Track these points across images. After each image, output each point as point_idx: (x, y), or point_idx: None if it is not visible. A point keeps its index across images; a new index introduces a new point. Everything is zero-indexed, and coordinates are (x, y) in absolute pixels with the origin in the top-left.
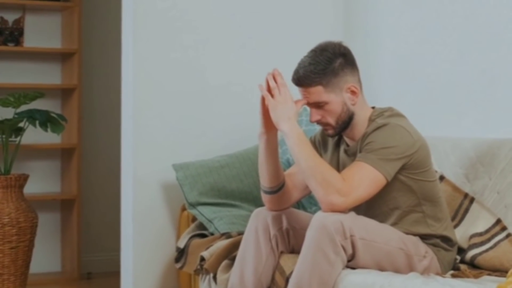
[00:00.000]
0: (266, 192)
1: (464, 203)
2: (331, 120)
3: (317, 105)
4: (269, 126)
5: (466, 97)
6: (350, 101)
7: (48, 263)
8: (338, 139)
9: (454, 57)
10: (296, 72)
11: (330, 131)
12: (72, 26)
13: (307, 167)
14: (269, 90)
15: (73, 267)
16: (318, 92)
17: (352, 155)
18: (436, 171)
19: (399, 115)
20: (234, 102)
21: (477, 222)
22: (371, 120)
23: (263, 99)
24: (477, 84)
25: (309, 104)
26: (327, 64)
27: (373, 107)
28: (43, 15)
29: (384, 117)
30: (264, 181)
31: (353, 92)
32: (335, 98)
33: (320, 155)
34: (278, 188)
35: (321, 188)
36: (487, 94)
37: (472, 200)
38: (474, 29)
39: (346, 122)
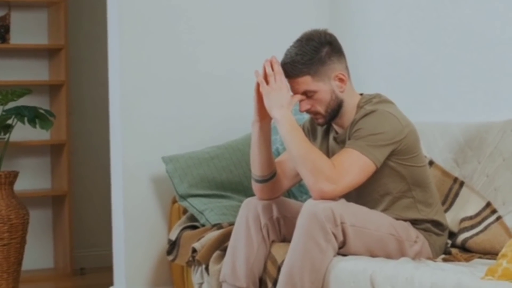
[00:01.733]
0: (257, 181)
1: (453, 188)
2: (321, 109)
3: (306, 95)
4: (262, 114)
5: (455, 82)
6: (338, 89)
7: (41, 259)
8: (327, 127)
9: (441, 41)
10: (283, 62)
11: (320, 120)
12: (59, 22)
13: (298, 154)
14: (265, 77)
15: (66, 263)
16: (306, 82)
17: (341, 143)
18: (425, 156)
19: (387, 101)
20: (222, 93)
21: (467, 205)
22: (359, 107)
23: (258, 86)
24: (465, 68)
25: (298, 93)
26: (314, 53)
27: (361, 94)
28: (29, 12)
29: (373, 104)
30: (256, 170)
31: (341, 80)
32: (324, 87)
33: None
34: (270, 176)
35: (311, 176)
36: (475, 78)
37: (461, 184)
38: (462, 13)
39: (336, 110)
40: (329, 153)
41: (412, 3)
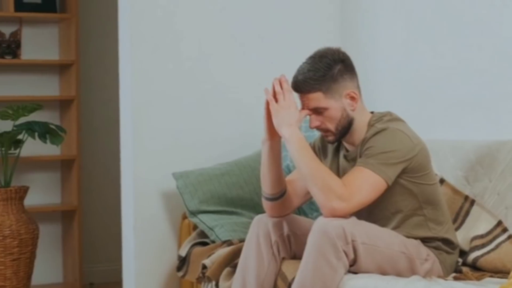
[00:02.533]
0: (267, 199)
1: (464, 206)
2: (331, 126)
3: (317, 111)
4: (272, 132)
5: (465, 100)
6: (349, 107)
7: (50, 274)
8: (337, 145)
9: (451, 59)
10: (295, 78)
11: (330, 137)
12: (70, 37)
13: (308, 173)
14: (274, 95)
15: (75, 278)
16: (318, 98)
17: (351, 161)
18: (436, 174)
19: (398, 119)
20: (233, 110)
21: (478, 224)
22: (370, 125)
23: (267, 104)
24: (475, 87)
25: (308, 110)
26: (327, 70)
27: (371, 112)
28: (40, 27)
29: (383, 122)
30: (266, 188)
31: (352, 98)
32: (335, 104)
33: (320, 160)
34: (280, 195)
35: (322, 194)
36: (486, 96)
37: (472, 202)
38: (471, 31)
39: (346, 127)
40: (339, 171)
41: (423, 20)
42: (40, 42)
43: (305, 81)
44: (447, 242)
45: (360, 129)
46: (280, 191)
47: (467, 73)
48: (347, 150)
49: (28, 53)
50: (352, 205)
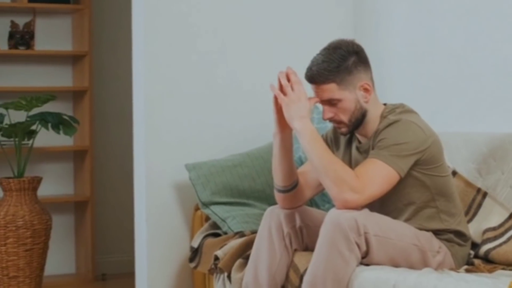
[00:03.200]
0: (280, 191)
1: (477, 198)
2: (344, 118)
3: (330, 103)
4: (283, 125)
5: (479, 92)
6: (363, 99)
7: (63, 265)
8: (350, 137)
9: (466, 51)
10: (309, 69)
11: (343, 129)
12: (83, 28)
13: (320, 165)
14: (281, 89)
15: (88, 269)
16: (332, 90)
17: (364, 152)
18: (448, 166)
19: (410, 111)
20: (245, 101)
21: (490, 216)
22: (383, 116)
23: (275, 98)
24: (489, 79)
25: (322, 101)
26: (341, 61)
27: (384, 104)
28: (53, 18)
29: (396, 114)
30: (278, 180)
31: (366, 90)
32: (349, 96)
33: (333, 152)
34: (292, 186)
35: (334, 186)
36: (499, 88)
37: (485, 194)
38: (487, 22)
39: (359, 119)
40: (352, 163)
41: (439, 10)
42: (53, 33)
43: (319, 72)
44: (459, 234)
45: (373, 121)
46: (292, 183)
47: (481, 65)
48: (359, 142)
49: (41, 44)
50: (364, 197)
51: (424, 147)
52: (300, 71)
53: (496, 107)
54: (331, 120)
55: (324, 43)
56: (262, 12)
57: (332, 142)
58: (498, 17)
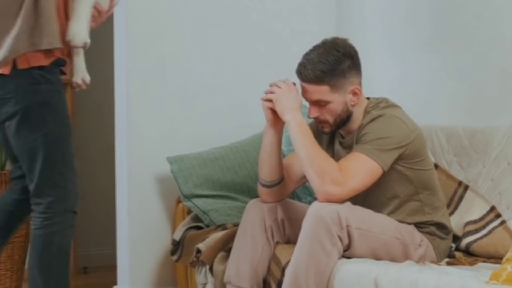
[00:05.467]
0: (264, 186)
1: (458, 191)
2: (330, 119)
3: (319, 104)
4: (274, 121)
5: (458, 85)
6: (350, 102)
7: None
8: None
9: (445, 45)
10: (303, 67)
11: (326, 129)
12: None
13: (306, 156)
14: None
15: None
16: (323, 92)
17: (347, 147)
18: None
19: (394, 105)
20: (227, 94)
21: (471, 209)
22: (366, 111)
23: (268, 95)
24: (469, 72)
25: (310, 101)
26: (337, 64)
27: (367, 98)
28: None
29: (380, 109)
30: (264, 175)
31: (355, 94)
32: (338, 99)
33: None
34: (278, 182)
35: (317, 178)
36: (479, 82)
37: (466, 187)
38: (462, 19)
39: (344, 121)
40: (335, 157)
41: (413, 8)
42: None
43: (315, 73)
44: (441, 227)
45: (356, 118)
46: (278, 179)
47: (460, 58)
48: (342, 137)
49: None
50: (347, 190)
51: (407, 142)
52: (282, 61)
53: (477, 100)
54: (316, 119)
55: (306, 36)
56: (244, 7)
57: (315, 135)
58: (481, 11)
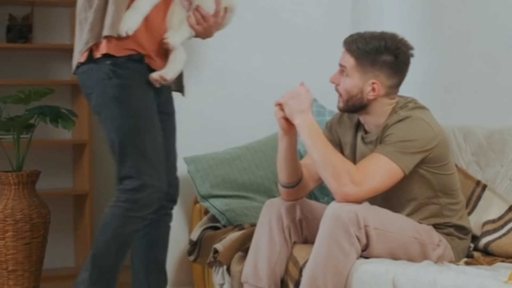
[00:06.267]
0: (284, 187)
1: (476, 191)
2: (343, 94)
3: (341, 70)
4: (286, 128)
5: (477, 85)
6: (367, 94)
7: (62, 258)
8: (357, 125)
9: (466, 45)
10: (351, 35)
11: (340, 104)
12: None
13: (319, 159)
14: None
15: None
16: (349, 62)
17: (368, 143)
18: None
19: (422, 107)
20: (244, 94)
21: (489, 209)
22: (394, 111)
23: (279, 105)
24: (487, 72)
25: (339, 64)
26: (374, 50)
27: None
28: (52, 11)
29: (408, 109)
30: (283, 177)
31: (373, 89)
32: (356, 79)
33: (336, 141)
34: (296, 183)
35: (333, 180)
36: (498, 82)
37: (484, 187)
38: (483, 17)
39: (356, 107)
40: (356, 152)
41: (428, 12)
42: (52, 26)
43: (353, 43)
44: (460, 228)
45: (378, 115)
46: (296, 180)
47: (481, 58)
48: (365, 132)
49: (39, 37)
50: (364, 191)
51: (431, 146)
52: (297, 57)
53: (495, 100)
54: (334, 84)
55: (320, 35)
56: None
57: (336, 130)
58: (499, 11)
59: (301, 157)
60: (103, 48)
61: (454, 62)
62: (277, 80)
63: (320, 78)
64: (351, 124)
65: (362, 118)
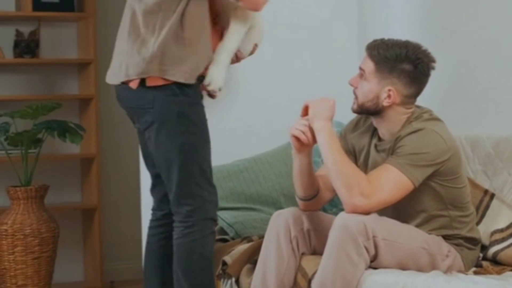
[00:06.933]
0: (301, 199)
1: (484, 200)
2: (360, 97)
3: (361, 73)
4: (299, 147)
5: (483, 93)
6: (383, 100)
7: (71, 272)
8: (372, 132)
9: (471, 52)
10: (374, 40)
11: (354, 106)
12: (88, 36)
13: (334, 167)
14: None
15: (96, 276)
16: (368, 66)
17: (381, 151)
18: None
19: (436, 119)
20: (251, 106)
21: (498, 218)
22: (408, 121)
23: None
24: (494, 80)
25: (359, 67)
26: (394, 58)
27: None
28: (58, 26)
29: (422, 120)
30: (299, 192)
31: (389, 96)
32: (374, 84)
33: (350, 150)
34: (313, 196)
35: (344, 189)
36: (505, 90)
37: (492, 196)
38: (484, 24)
39: (370, 111)
40: (369, 159)
41: (435, 18)
42: (58, 41)
43: (376, 47)
44: (470, 239)
45: (393, 123)
46: (312, 193)
47: (487, 66)
48: (379, 139)
49: (46, 52)
50: (374, 203)
51: (443, 159)
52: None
53: (503, 108)
54: (353, 88)
55: (326, 42)
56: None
57: (350, 138)
58: (503, 18)
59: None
60: (162, 81)
61: (461, 70)
62: (285, 92)
63: (327, 89)
64: (367, 129)
65: (376, 123)
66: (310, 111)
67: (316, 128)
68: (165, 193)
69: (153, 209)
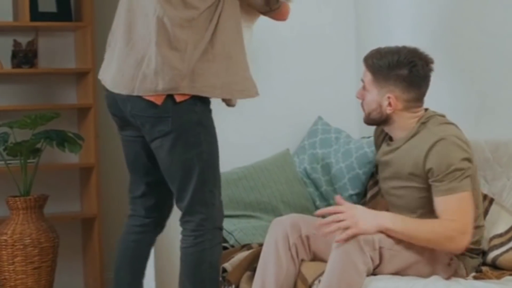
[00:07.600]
0: None
1: (483, 205)
2: (366, 108)
3: (363, 86)
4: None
5: (482, 98)
6: (386, 107)
7: (71, 282)
8: (385, 136)
9: (469, 59)
10: (371, 51)
11: (364, 118)
12: (86, 45)
13: (423, 236)
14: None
15: (96, 286)
16: (367, 76)
17: (392, 151)
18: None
19: (450, 123)
20: (251, 113)
21: (497, 223)
22: (422, 122)
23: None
24: (493, 84)
25: (362, 79)
26: (388, 65)
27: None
28: (56, 36)
29: (437, 124)
30: None
31: (389, 104)
32: (375, 95)
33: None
34: None
35: (449, 243)
36: (504, 94)
37: (491, 201)
38: (484, 28)
39: (377, 121)
40: (380, 157)
41: (428, 18)
42: (56, 51)
43: (370, 57)
44: (474, 250)
45: (402, 128)
46: None
47: (485, 71)
48: (390, 139)
49: (44, 62)
50: (469, 231)
51: (470, 165)
52: (303, 76)
53: (501, 112)
54: (360, 100)
55: (323, 39)
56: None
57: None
58: (503, 21)
59: (307, 174)
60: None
61: (459, 77)
62: (283, 99)
63: (324, 96)
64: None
65: (387, 130)
66: (362, 225)
67: (387, 228)
68: (156, 201)
69: (140, 216)
